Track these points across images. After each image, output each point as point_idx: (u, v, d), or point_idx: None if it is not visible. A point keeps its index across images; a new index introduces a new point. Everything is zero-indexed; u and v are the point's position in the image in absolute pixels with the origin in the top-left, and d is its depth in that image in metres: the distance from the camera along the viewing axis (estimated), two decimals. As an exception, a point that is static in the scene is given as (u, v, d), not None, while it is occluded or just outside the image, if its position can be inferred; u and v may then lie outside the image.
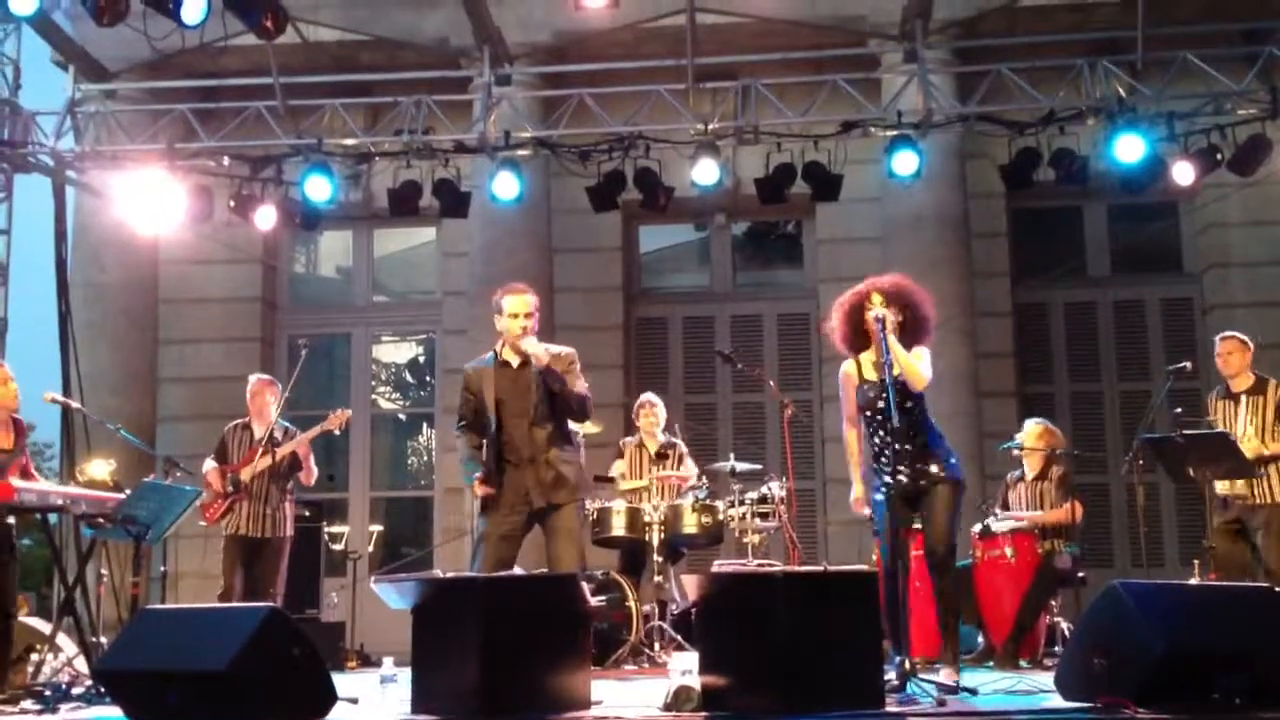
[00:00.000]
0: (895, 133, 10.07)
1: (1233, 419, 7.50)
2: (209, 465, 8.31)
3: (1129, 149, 9.69)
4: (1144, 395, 11.94)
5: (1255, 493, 7.34)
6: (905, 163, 9.96)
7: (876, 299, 5.93)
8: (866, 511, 6.07)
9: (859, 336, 6.03)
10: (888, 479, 5.87)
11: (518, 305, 6.27)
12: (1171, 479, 7.73)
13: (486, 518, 6.21)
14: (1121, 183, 10.20)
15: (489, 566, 6.07)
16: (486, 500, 6.19)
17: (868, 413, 5.99)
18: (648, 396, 9.31)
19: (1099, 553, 11.88)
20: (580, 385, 6.32)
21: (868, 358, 6.04)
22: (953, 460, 5.99)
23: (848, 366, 6.12)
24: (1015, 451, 8.56)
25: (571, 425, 6.46)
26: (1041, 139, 10.05)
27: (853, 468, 6.15)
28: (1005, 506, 8.60)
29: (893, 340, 5.81)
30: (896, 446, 5.77)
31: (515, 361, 6.29)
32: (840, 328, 6.08)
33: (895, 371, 5.76)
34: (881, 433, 5.90)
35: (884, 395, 5.75)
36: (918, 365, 5.86)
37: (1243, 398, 7.52)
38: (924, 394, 5.97)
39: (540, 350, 6.16)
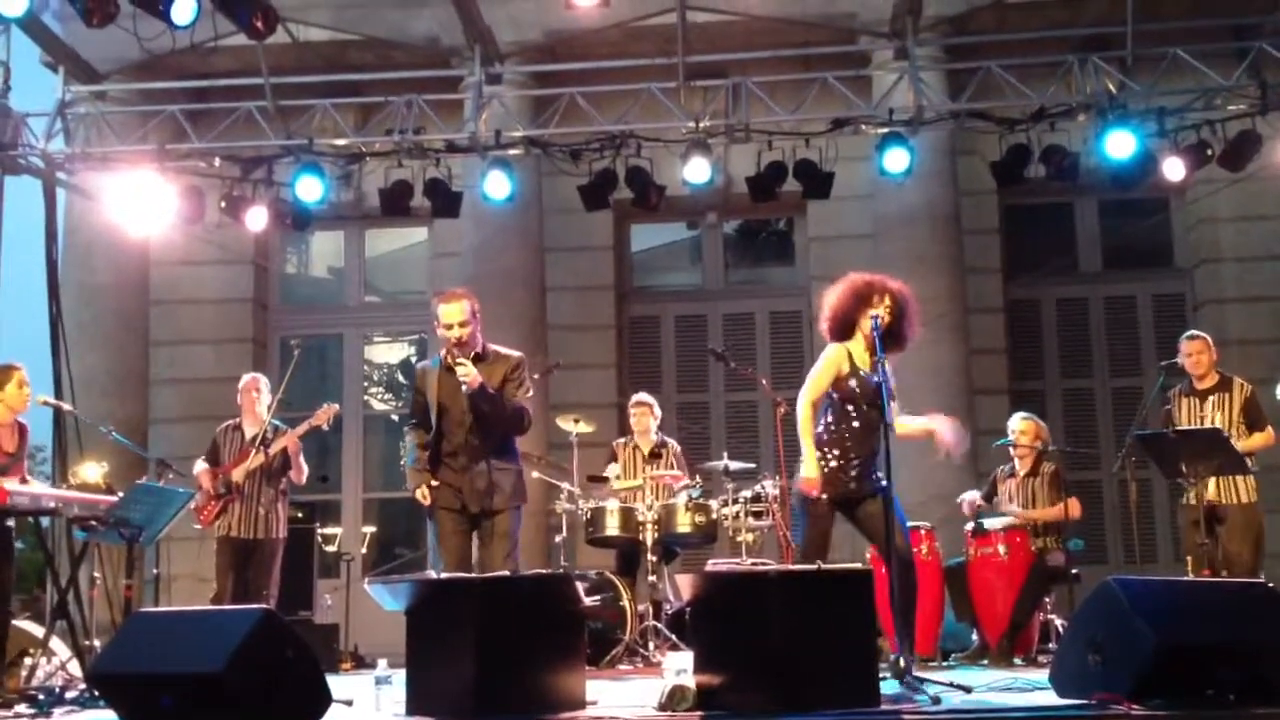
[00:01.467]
0: (886, 130, 10.07)
1: (1198, 415, 7.54)
2: (200, 466, 8.29)
3: (1119, 145, 9.69)
4: (1136, 391, 11.98)
5: (1221, 492, 7.38)
6: (896, 160, 9.96)
7: (887, 302, 5.93)
8: (816, 492, 5.92)
9: (848, 325, 6.02)
10: (831, 476, 5.90)
11: (449, 314, 6.26)
12: (1164, 475, 7.75)
13: (433, 522, 6.30)
14: (1112, 179, 10.21)
15: (450, 565, 6.16)
16: (429, 505, 6.29)
17: (849, 406, 5.98)
18: (642, 396, 9.31)
19: (1092, 549, 11.88)
20: (521, 394, 6.33)
21: (856, 348, 6.02)
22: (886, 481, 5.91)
23: (836, 352, 6.05)
24: (1011, 449, 8.58)
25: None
26: (1032, 135, 10.06)
27: (807, 444, 5.98)
28: (992, 498, 8.62)
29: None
30: (871, 447, 5.84)
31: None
32: (838, 311, 6.05)
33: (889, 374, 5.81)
34: (857, 425, 5.92)
35: (878, 396, 5.76)
36: None
37: (1210, 396, 7.58)
38: None
39: (469, 373, 6.10)
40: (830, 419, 6.03)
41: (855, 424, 5.97)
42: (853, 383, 5.96)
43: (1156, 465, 7.56)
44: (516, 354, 6.48)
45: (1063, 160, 10.11)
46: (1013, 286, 12.97)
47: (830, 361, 6.03)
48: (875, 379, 5.85)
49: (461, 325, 6.24)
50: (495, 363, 6.35)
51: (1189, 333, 7.98)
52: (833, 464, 5.96)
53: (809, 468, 5.94)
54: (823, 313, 6.14)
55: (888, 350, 5.91)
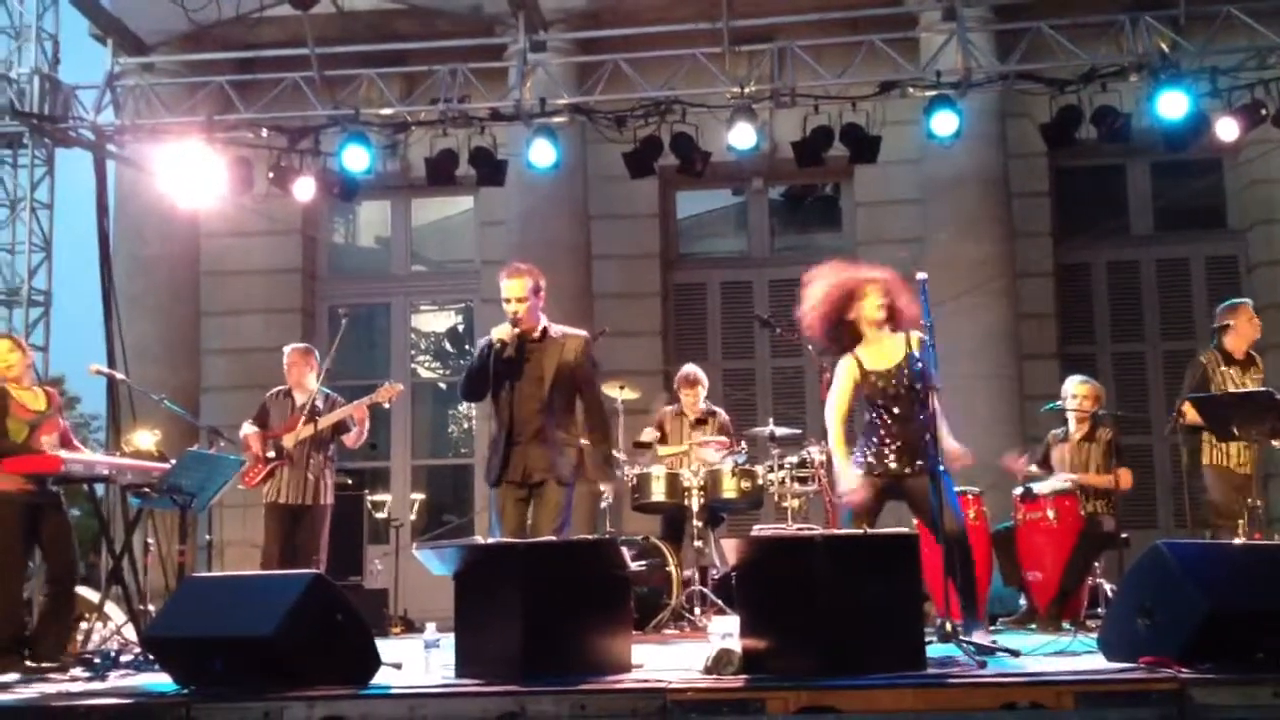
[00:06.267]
0: (934, 93, 9.96)
1: (1240, 385, 7.48)
2: (248, 428, 8.36)
3: (1172, 105, 9.54)
4: (1188, 354, 11.76)
5: None
6: (944, 123, 9.86)
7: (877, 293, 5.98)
8: (858, 497, 5.99)
9: (843, 330, 6.06)
10: (873, 460, 5.96)
11: (510, 289, 6.34)
12: (1216, 438, 7.66)
13: (496, 491, 6.32)
14: (1164, 140, 10.05)
15: (509, 533, 6.20)
16: (490, 477, 6.33)
17: (878, 401, 6.02)
18: (693, 371, 9.24)
19: (1142, 513, 11.80)
20: (593, 372, 6.50)
21: (866, 351, 6.07)
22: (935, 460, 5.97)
23: (848, 361, 6.14)
24: (1068, 411, 8.48)
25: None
26: (1083, 96, 9.92)
27: (841, 459, 6.08)
28: (1046, 462, 8.54)
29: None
30: (913, 431, 5.86)
31: (535, 339, 6.37)
32: (821, 322, 6.13)
33: (891, 365, 5.98)
34: (889, 418, 5.94)
35: (903, 382, 5.86)
36: None
37: (1250, 367, 7.60)
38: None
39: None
40: (867, 415, 6.15)
41: (888, 416, 6.04)
42: (872, 380, 6.04)
43: (1209, 428, 7.48)
44: (581, 334, 6.54)
45: (1114, 121, 9.95)
46: (1063, 250, 12.84)
47: (843, 370, 6.14)
48: (880, 376, 6.00)
49: (520, 300, 6.30)
50: (557, 342, 6.39)
51: (1243, 300, 7.91)
52: (870, 453, 6.04)
53: (845, 480, 6.03)
54: (810, 331, 6.20)
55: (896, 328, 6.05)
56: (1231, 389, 7.50)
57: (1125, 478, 8.29)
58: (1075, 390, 8.46)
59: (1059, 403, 8.58)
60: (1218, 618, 4.48)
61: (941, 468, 5.85)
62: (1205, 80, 9.69)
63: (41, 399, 6.95)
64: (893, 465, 5.96)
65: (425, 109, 10.60)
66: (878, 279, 6.11)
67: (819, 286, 6.18)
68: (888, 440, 6.00)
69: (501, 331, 6.32)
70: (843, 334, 6.13)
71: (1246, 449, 7.36)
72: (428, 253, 14.57)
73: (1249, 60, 9.85)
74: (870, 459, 6.03)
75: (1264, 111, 9.74)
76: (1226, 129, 9.83)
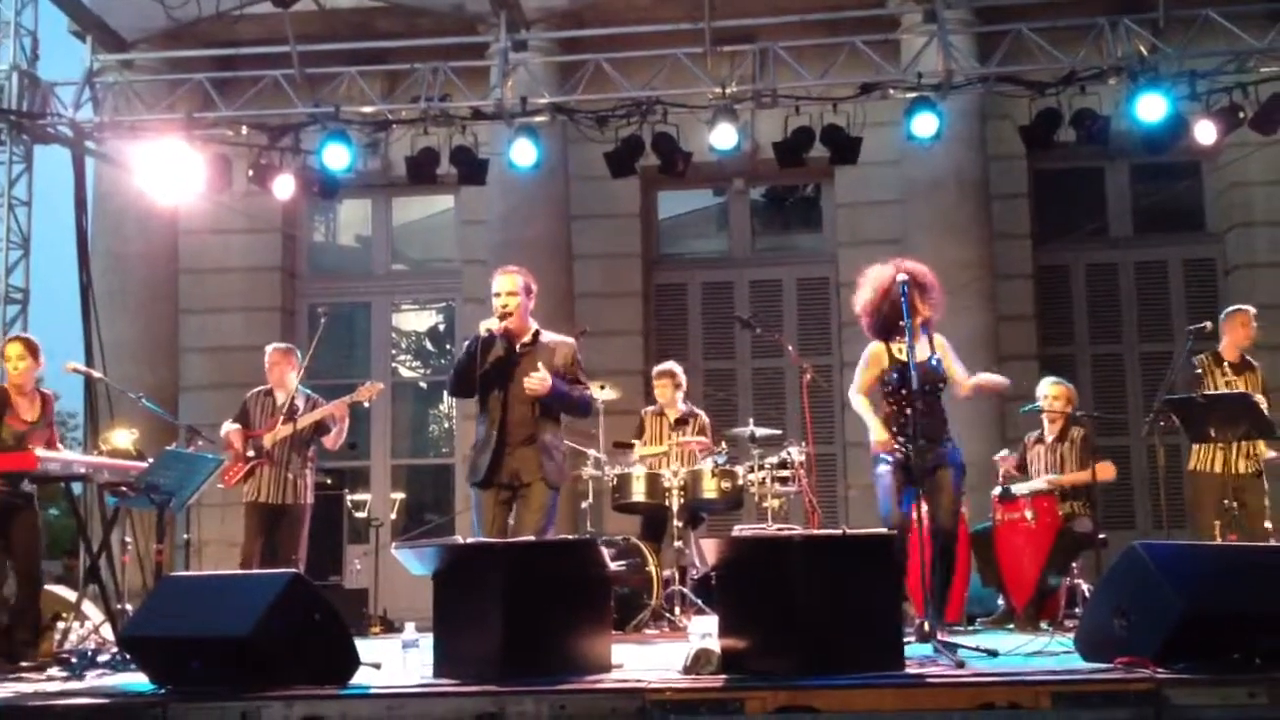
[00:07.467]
0: (914, 94, 10.00)
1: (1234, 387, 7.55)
2: (229, 427, 8.34)
3: (1151, 108, 9.60)
4: (1166, 356, 11.87)
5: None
6: (925, 124, 9.90)
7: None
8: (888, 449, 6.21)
9: (894, 325, 6.10)
10: (899, 452, 6.01)
11: (500, 284, 6.36)
12: (1192, 440, 7.72)
13: (478, 492, 6.32)
14: (1143, 142, 10.11)
15: (489, 534, 6.20)
16: (477, 477, 6.30)
17: (889, 390, 6.09)
18: (669, 366, 9.28)
19: (1120, 514, 11.86)
20: (581, 383, 6.47)
21: (898, 345, 6.13)
22: (956, 447, 6.28)
23: (876, 348, 6.27)
24: (1041, 414, 8.52)
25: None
26: (1062, 99, 9.96)
27: (869, 416, 6.30)
28: (1023, 467, 8.57)
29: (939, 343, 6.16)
30: (913, 429, 5.90)
31: (526, 342, 6.38)
32: (875, 316, 6.15)
33: (921, 358, 5.99)
34: (905, 410, 5.99)
35: (907, 380, 5.90)
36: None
37: (1244, 372, 7.69)
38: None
39: (539, 385, 6.18)
40: (886, 405, 6.28)
41: (894, 407, 6.19)
42: (892, 373, 6.17)
43: (1184, 430, 7.53)
44: (570, 341, 6.55)
45: (1093, 124, 10.00)
46: (1042, 252, 12.88)
47: (870, 355, 6.31)
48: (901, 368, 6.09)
49: (510, 294, 6.32)
50: (548, 348, 6.40)
51: (1246, 306, 7.99)
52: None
53: (875, 432, 6.23)
54: (863, 321, 6.31)
55: (930, 333, 6.25)
56: (1220, 389, 7.55)
57: (1106, 470, 8.30)
58: (1048, 391, 8.49)
59: (1036, 404, 8.61)
60: (1194, 618, 4.50)
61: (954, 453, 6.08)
62: (1184, 83, 9.74)
63: (36, 408, 6.95)
64: (909, 447, 5.99)
65: (406, 107, 10.58)
66: (919, 281, 6.20)
67: (878, 281, 6.22)
68: (906, 427, 6.05)
69: (490, 323, 6.31)
70: (892, 329, 6.18)
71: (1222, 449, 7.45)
72: (408, 252, 14.54)
73: (1227, 63, 9.91)
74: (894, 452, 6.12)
75: (1242, 114, 9.81)
76: (1205, 132, 9.88)
